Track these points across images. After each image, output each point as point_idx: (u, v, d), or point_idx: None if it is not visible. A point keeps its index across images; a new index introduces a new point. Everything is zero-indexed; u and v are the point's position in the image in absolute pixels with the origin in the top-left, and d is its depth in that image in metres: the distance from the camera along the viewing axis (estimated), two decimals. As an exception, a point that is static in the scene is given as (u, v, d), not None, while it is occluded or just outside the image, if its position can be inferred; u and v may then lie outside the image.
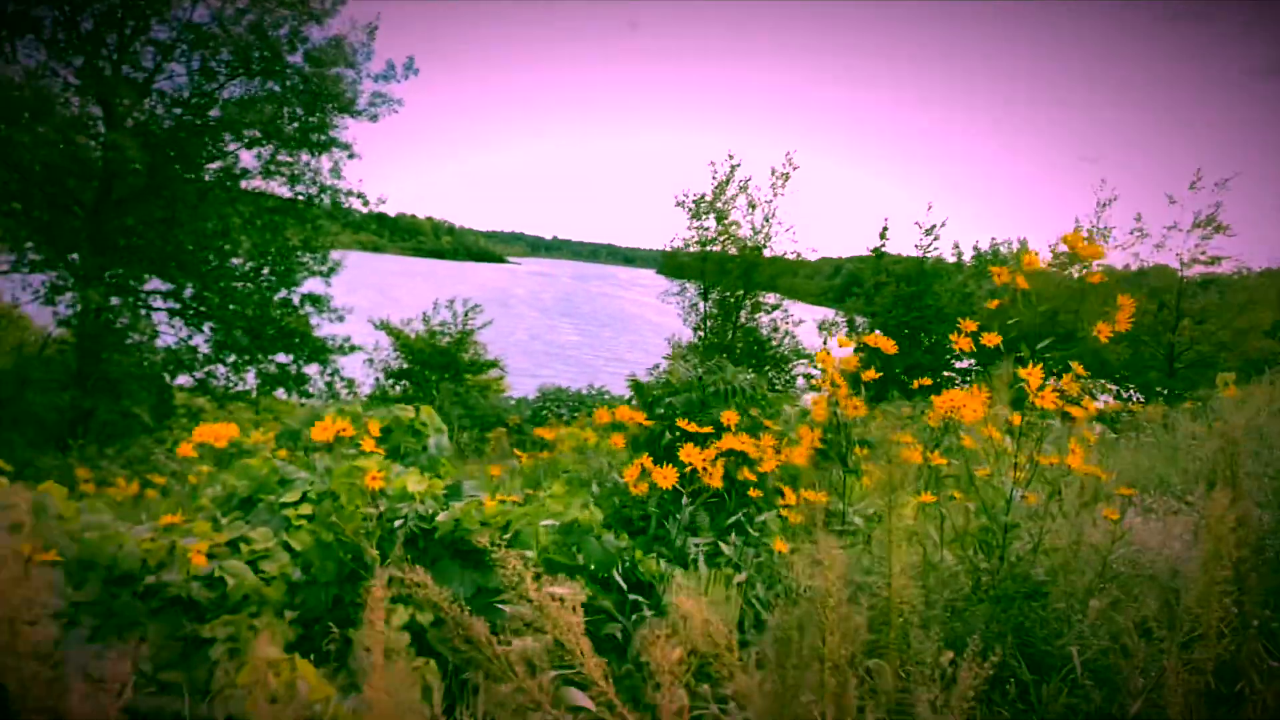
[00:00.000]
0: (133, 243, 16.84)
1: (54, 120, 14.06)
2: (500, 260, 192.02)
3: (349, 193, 19.22)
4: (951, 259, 25.94)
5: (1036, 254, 3.79)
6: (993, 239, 26.80)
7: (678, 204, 24.99)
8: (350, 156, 19.53)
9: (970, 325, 3.82)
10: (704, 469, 3.50)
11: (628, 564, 3.52)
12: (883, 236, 24.96)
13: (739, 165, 24.64)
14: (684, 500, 3.67)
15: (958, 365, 23.92)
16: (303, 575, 3.28)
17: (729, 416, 3.85)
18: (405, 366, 21.88)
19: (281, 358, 20.28)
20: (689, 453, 3.50)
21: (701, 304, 24.99)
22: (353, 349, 20.73)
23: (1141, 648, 2.71)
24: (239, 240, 16.76)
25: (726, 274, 24.37)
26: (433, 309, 21.80)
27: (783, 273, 24.20)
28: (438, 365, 21.14)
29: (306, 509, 3.57)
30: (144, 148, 14.95)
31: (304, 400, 20.46)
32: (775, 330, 24.22)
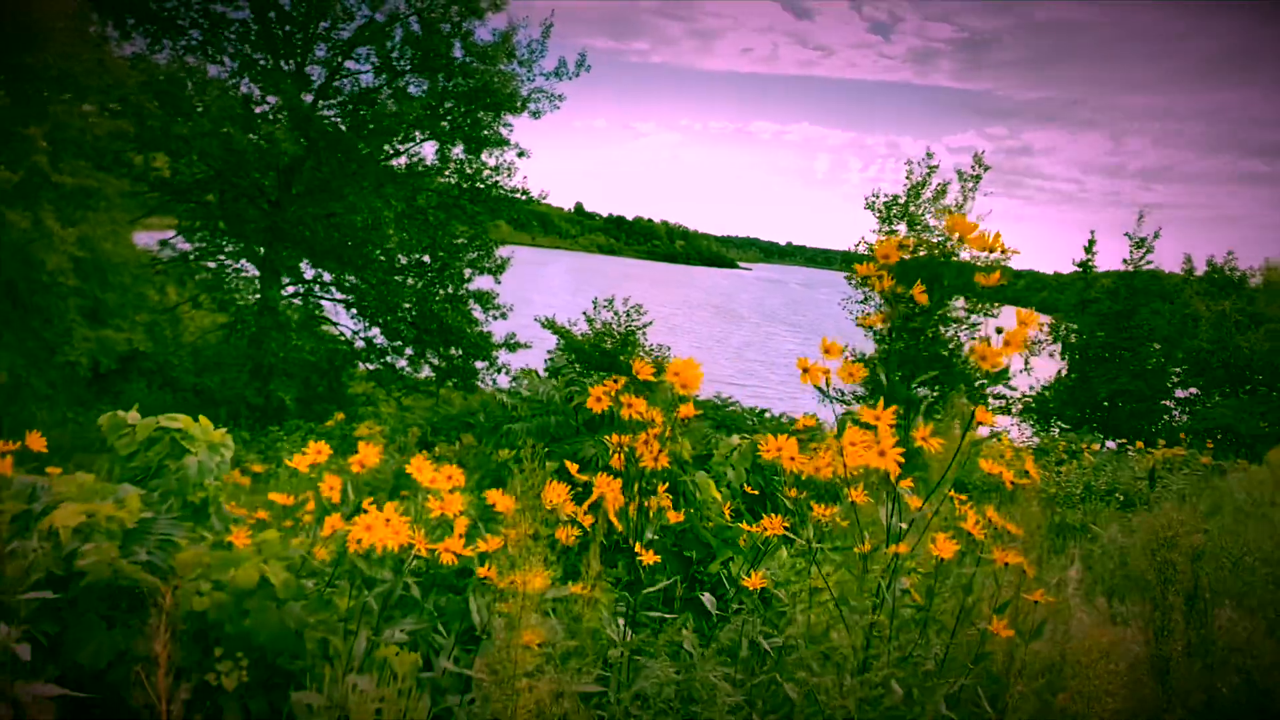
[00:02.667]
0: (304, 235, 17.50)
1: (211, 112, 14.78)
2: (731, 265, 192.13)
3: (513, 189, 19.27)
4: (1175, 274, 22.78)
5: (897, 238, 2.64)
6: (1229, 252, 23.30)
7: (867, 206, 23.52)
8: (519, 155, 19.60)
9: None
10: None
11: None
12: (1089, 250, 22.32)
13: (937, 166, 22.86)
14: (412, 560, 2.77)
15: (1178, 394, 20.98)
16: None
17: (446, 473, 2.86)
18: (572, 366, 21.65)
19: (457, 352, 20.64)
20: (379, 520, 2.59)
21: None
22: (517, 346, 20.77)
23: None
24: (388, 235, 17.07)
25: (911, 282, 22.53)
26: (594, 308, 21.39)
27: (972, 282, 22.02)
28: (599, 365, 20.71)
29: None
30: (303, 141, 15.46)
31: (466, 395, 20.69)
32: (959, 345, 22.13)
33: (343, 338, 19.87)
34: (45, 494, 3.14)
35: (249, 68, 17.47)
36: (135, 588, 2.74)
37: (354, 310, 19.91)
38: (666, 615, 2.81)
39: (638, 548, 2.72)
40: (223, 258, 17.72)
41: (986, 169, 22.04)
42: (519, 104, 17.89)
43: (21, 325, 12.19)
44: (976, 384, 22.13)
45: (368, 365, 20.55)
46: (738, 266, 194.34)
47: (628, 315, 21.21)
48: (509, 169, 19.59)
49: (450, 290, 19.49)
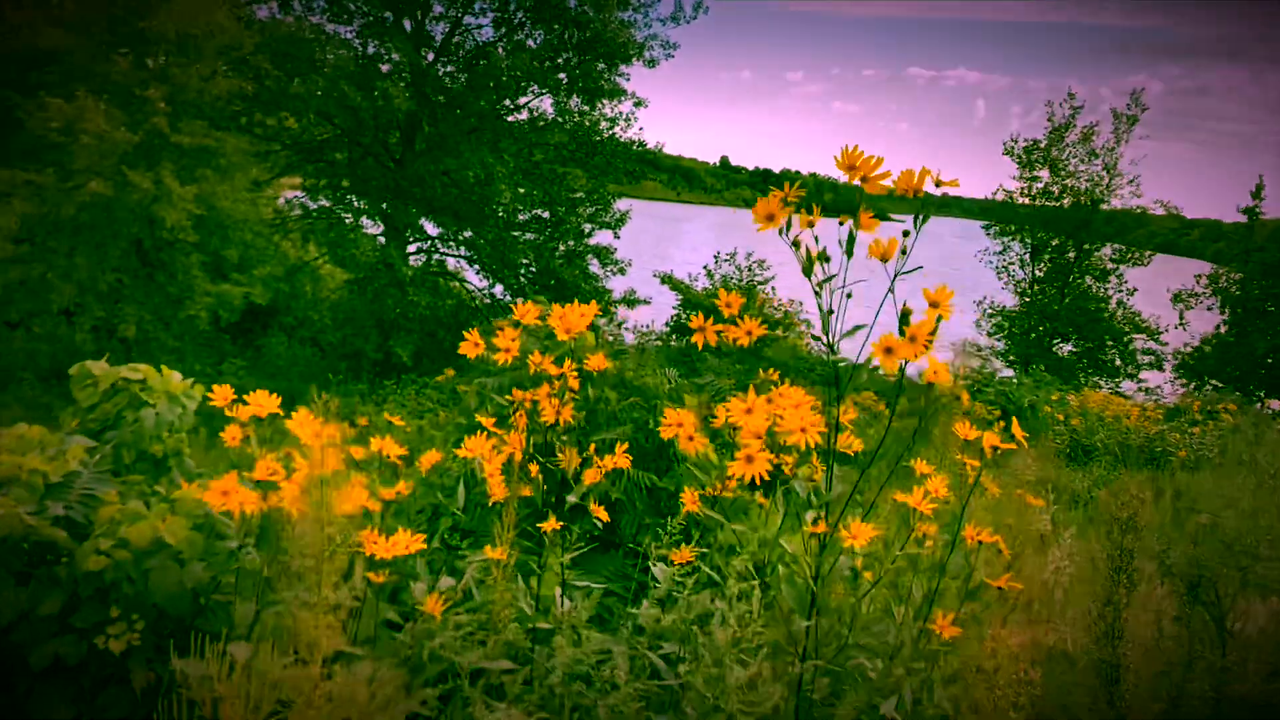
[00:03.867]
0: (424, 193, 17.72)
1: (327, 71, 15.04)
2: (884, 217, 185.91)
3: (629, 143, 19.00)
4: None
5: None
6: None
7: (1006, 152, 22.08)
8: (637, 105, 19.27)
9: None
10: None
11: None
12: (1257, 195, 20.32)
13: (1081, 107, 21.27)
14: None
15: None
16: None
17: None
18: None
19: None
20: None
21: (1022, 267, 21.89)
22: (635, 302, 20.56)
23: None
24: (501, 190, 17.05)
25: (1058, 232, 21.14)
26: (714, 262, 20.87)
27: (1126, 230, 20.51)
28: (718, 321, 20.22)
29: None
30: (417, 97, 15.59)
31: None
32: (1106, 299, 20.61)
33: (468, 293, 20.13)
34: (-9, 447, 3.10)
35: (370, 26, 17.68)
36: (52, 544, 2.66)
37: (477, 266, 20.13)
38: (594, 585, 2.56)
39: (591, 511, 2.47)
40: (347, 216, 18.16)
41: (1144, 109, 20.35)
42: (632, 52, 17.53)
43: (148, 281, 12.80)
44: (1125, 340, 20.70)
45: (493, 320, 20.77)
46: (889, 219, 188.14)
47: (749, 269, 20.65)
48: (627, 119, 19.32)
49: (571, 245, 19.41)
